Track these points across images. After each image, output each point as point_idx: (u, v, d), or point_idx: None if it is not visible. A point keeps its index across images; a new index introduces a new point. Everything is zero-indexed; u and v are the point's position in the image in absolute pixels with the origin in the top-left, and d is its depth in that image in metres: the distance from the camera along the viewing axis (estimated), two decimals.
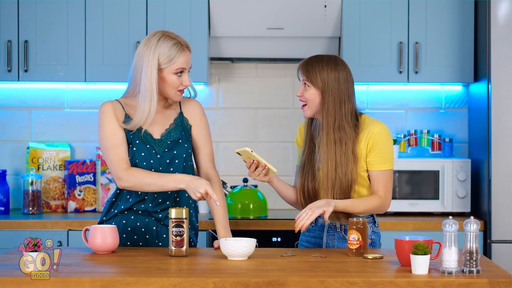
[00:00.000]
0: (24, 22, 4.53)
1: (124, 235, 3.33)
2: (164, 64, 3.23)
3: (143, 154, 3.29)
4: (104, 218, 3.38)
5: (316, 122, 3.36)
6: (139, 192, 3.30)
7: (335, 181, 3.25)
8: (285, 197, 3.44)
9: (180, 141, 3.34)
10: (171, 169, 3.31)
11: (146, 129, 3.31)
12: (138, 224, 3.33)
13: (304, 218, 3.14)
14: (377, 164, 3.29)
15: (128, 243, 3.33)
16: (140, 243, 3.33)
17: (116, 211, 3.34)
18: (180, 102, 3.40)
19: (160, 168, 3.30)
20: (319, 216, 3.35)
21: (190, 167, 3.37)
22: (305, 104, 3.31)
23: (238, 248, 2.96)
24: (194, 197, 3.12)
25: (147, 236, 3.33)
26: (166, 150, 3.31)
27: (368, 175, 3.31)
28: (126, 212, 3.34)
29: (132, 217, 3.33)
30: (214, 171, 3.40)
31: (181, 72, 3.25)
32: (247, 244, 2.97)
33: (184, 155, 3.34)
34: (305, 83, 3.30)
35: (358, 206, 3.25)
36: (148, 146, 3.30)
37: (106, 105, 3.30)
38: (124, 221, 3.34)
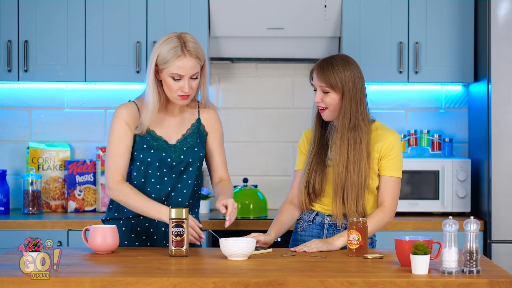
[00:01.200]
0: (24, 22, 4.53)
1: (133, 235, 3.34)
2: (160, 65, 3.22)
3: (157, 164, 3.30)
4: (108, 218, 3.39)
5: (329, 122, 3.36)
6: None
7: (346, 182, 3.24)
8: (289, 227, 3.43)
9: (196, 149, 3.34)
10: (184, 176, 3.32)
11: (161, 135, 3.31)
12: (147, 224, 3.33)
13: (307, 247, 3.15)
14: (389, 170, 3.29)
15: (137, 243, 3.34)
16: (148, 244, 3.33)
17: (123, 216, 3.36)
18: (199, 108, 3.40)
19: (173, 176, 3.31)
20: (317, 214, 3.36)
21: (201, 174, 3.40)
22: (324, 109, 3.29)
23: (238, 248, 2.96)
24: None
25: (155, 237, 3.34)
26: (182, 157, 3.31)
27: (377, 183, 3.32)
28: (131, 216, 3.36)
29: (141, 217, 3.34)
30: (227, 175, 3.44)
31: (179, 78, 3.22)
32: (247, 244, 2.97)
33: (198, 164, 3.35)
34: (323, 90, 3.27)
35: (372, 228, 3.25)
36: (164, 154, 3.30)
37: (120, 110, 3.31)
38: (132, 221, 3.35)
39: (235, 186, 4.54)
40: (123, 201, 3.27)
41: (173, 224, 3.02)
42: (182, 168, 3.32)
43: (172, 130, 3.34)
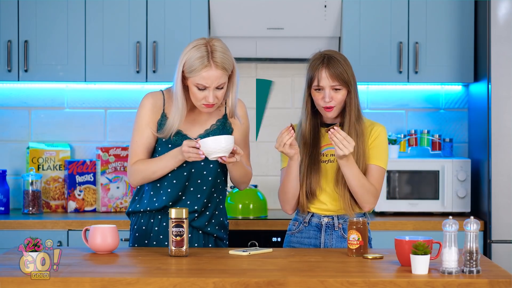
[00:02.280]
0: (24, 22, 4.53)
1: (152, 234, 3.34)
2: (186, 73, 3.18)
3: None
4: (131, 209, 3.39)
5: (317, 120, 3.36)
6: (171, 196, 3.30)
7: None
8: (292, 188, 3.31)
9: None
10: (204, 172, 3.29)
11: (181, 130, 3.27)
12: (165, 224, 3.32)
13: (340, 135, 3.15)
14: (375, 159, 3.30)
15: (154, 243, 3.33)
16: (166, 243, 3.31)
17: (142, 208, 3.35)
18: (226, 105, 3.34)
19: (193, 170, 3.28)
20: (312, 215, 3.34)
21: (224, 172, 3.36)
22: (333, 107, 3.28)
23: (217, 145, 3.05)
24: (191, 158, 3.13)
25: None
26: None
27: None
28: (154, 212, 3.34)
29: (159, 216, 3.33)
30: (250, 169, 3.39)
31: (204, 88, 3.17)
32: (225, 140, 3.06)
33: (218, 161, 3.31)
34: (334, 88, 3.26)
35: (361, 179, 3.23)
36: None
37: (147, 100, 3.31)
38: (152, 220, 3.34)
39: (235, 186, 4.54)
40: (144, 178, 3.27)
41: (173, 224, 3.02)
42: (202, 163, 3.27)
43: (196, 125, 3.31)
